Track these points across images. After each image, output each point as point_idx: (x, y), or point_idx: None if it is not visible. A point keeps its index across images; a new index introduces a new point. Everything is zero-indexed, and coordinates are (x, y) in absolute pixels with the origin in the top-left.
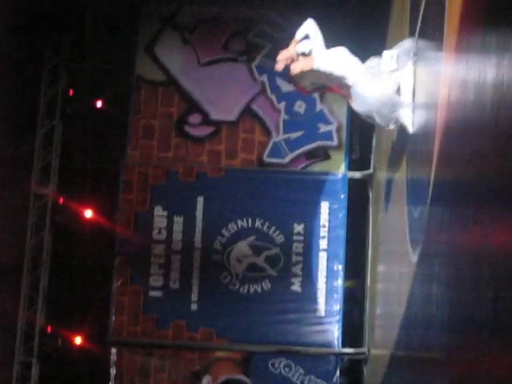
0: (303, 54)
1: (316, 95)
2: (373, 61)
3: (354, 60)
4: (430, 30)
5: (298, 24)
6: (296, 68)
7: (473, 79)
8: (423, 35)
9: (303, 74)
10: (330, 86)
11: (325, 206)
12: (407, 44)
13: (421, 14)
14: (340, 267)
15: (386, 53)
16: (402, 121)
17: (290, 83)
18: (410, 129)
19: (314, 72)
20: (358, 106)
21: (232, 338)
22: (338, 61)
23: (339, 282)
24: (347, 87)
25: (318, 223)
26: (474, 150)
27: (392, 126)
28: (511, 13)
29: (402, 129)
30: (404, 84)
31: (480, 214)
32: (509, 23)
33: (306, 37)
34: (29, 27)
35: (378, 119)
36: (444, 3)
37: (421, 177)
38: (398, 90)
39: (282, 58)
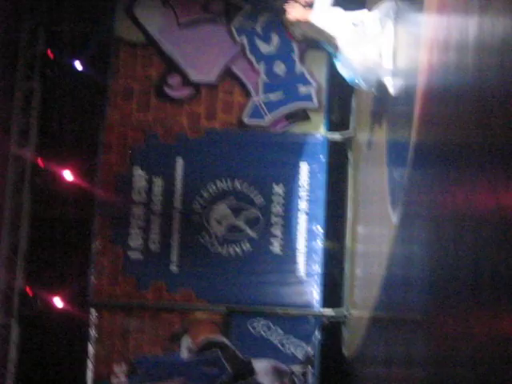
0: (306, 4)
1: (296, 56)
2: (358, 17)
3: (346, 22)
4: None
5: None
6: (292, 14)
7: (454, 41)
8: None
9: (297, 22)
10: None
11: (304, 168)
12: (388, 4)
13: None
14: (319, 228)
15: (368, 14)
16: (383, 83)
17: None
18: (392, 91)
19: (307, 24)
20: (344, 70)
21: (211, 299)
22: (332, 21)
23: (319, 244)
24: (335, 47)
25: (298, 184)
26: (455, 113)
27: (374, 90)
28: None
29: (382, 91)
30: (385, 46)
31: (461, 176)
32: None
33: None
34: None
35: (361, 83)
36: None
37: (401, 138)
38: (380, 53)
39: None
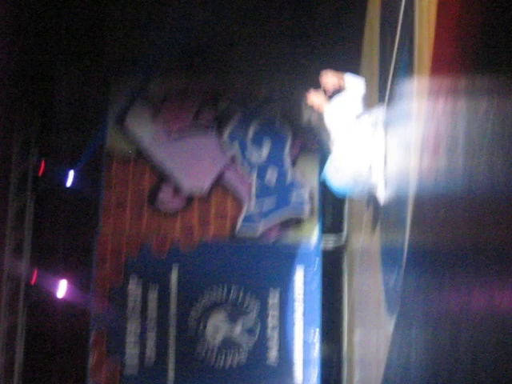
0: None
1: (287, 163)
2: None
3: (351, 126)
4: (398, 96)
5: (266, 94)
6: (312, 98)
7: (444, 145)
8: (392, 102)
9: (312, 107)
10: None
11: (299, 274)
12: (376, 112)
13: (389, 80)
14: (316, 334)
15: (361, 120)
16: (374, 193)
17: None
18: (382, 201)
19: (319, 113)
20: (333, 178)
21: None
22: (339, 122)
23: (315, 351)
24: (332, 142)
25: (293, 291)
26: (447, 217)
27: (365, 198)
28: (481, 79)
29: (375, 197)
30: (375, 157)
31: (455, 279)
32: (478, 88)
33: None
34: None
35: (350, 191)
36: (413, 65)
37: (395, 243)
38: (371, 164)
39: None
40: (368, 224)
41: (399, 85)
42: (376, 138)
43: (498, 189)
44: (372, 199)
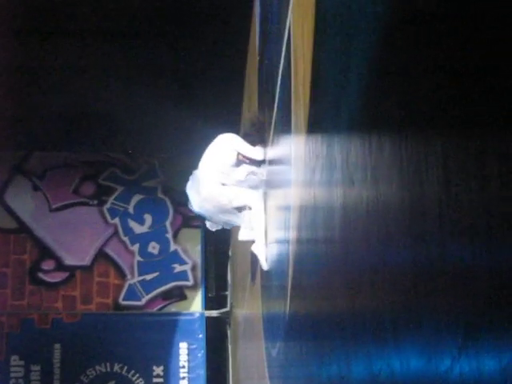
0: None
1: (169, 235)
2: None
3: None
4: (277, 160)
5: (147, 165)
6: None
7: (321, 208)
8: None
9: None
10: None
11: (183, 347)
12: (255, 177)
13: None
14: None
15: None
16: (257, 257)
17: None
18: (265, 266)
19: None
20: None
21: None
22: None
23: None
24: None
25: (178, 364)
26: (324, 285)
27: (214, 229)
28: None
29: (256, 266)
30: (256, 221)
31: (335, 348)
32: (359, 147)
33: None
34: None
35: (209, 219)
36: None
37: (276, 312)
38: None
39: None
40: (250, 291)
41: (278, 141)
42: (256, 204)
43: (374, 256)
44: (254, 267)
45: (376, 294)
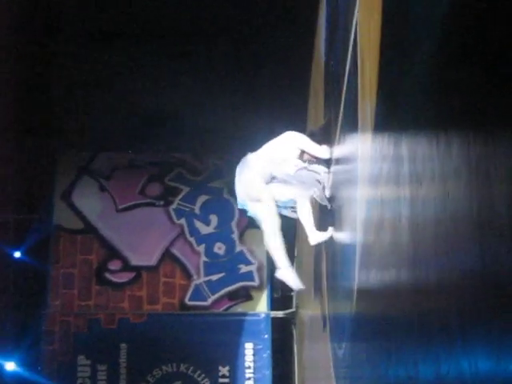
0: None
1: (235, 236)
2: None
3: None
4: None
5: (213, 166)
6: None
7: (389, 214)
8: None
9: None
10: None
11: (249, 347)
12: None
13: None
14: None
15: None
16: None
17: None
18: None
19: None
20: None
21: None
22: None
23: None
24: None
25: (243, 365)
26: (392, 286)
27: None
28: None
29: (320, 265)
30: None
31: (402, 350)
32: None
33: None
34: None
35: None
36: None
37: (342, 313)
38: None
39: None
40: (316, 294)
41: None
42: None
43: (442, 257)
44: (317, 266)
45: (444, 295)
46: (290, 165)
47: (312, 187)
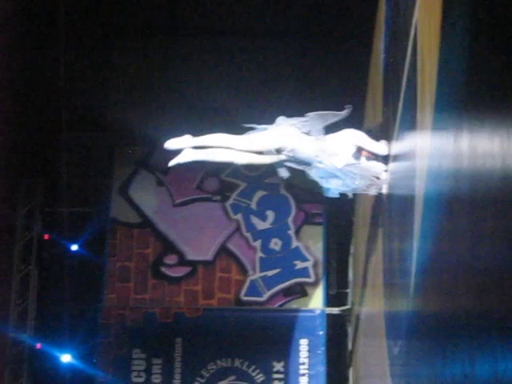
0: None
1: (291, 232)
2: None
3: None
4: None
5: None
6: None
7: (449, 208)
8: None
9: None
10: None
11: (304, 343)
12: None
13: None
14: None
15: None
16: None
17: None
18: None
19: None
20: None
21: None
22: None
23: None
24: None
25: (298, 361)
26: (450, 285)
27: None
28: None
29: (376, 263)
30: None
31: (459, 348)
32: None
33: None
34: (2, 174)
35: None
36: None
37: (398, 311)
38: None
39: None
40: (372, 289)
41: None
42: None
43: (502, 254)
44: (373, 267)
45: (505, 293)
46: (339, 159)
47: (357, 181)
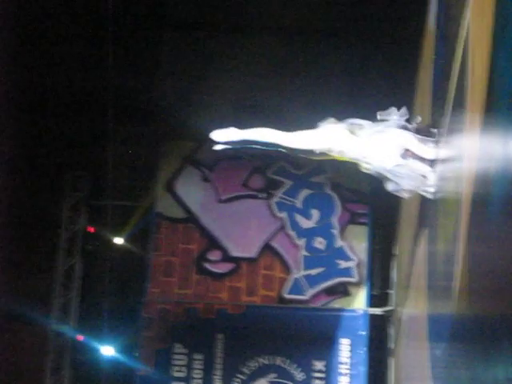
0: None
1: (336, 231)
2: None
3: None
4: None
5: (317, 161)
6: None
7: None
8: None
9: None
10: None
11: (345, 343)
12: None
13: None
14: None
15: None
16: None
17: None
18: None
19: None
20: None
21: None
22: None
23: None
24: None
25: (339, 360)
26: (495, 289)
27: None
28: None
29: (420, 264)
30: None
31: (502, 352)
32: None
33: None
34: (49, 166)
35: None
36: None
37: (442, 313)
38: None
39: None
40: (415, 290)
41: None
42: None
43: None
44: (418, 265)
45: None
46: (389, 160)
47: (407, 181)
